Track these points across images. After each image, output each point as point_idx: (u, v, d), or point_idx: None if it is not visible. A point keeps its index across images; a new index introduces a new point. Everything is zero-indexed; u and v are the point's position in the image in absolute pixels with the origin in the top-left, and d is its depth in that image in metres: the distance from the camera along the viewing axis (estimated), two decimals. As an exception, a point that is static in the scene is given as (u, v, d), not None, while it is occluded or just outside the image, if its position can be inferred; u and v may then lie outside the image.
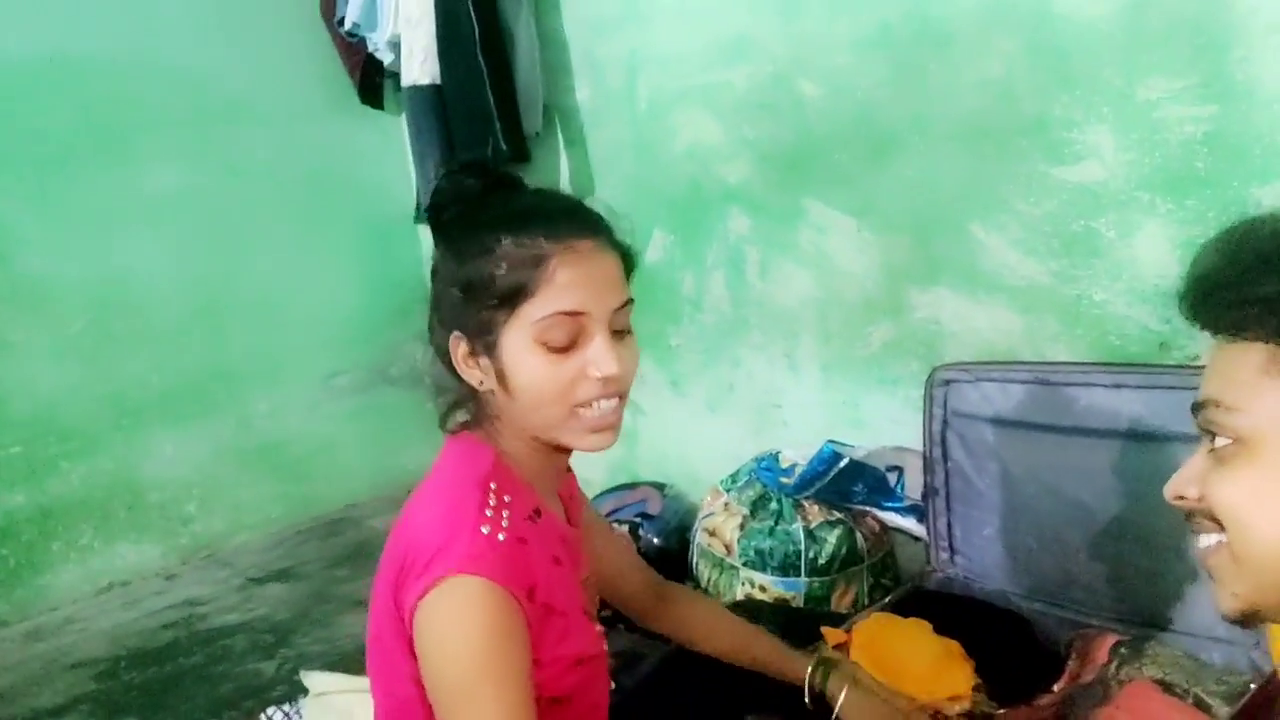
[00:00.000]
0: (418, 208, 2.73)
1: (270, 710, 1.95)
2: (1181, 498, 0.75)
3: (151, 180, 2.69)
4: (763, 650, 1.39)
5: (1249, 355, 0.69)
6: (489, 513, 0.98)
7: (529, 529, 1.02)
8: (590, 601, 1.18)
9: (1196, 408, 0.73)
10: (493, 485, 1.01)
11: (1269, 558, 0.68)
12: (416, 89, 2.59)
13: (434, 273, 1.08)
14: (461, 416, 1.11)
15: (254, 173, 2.88)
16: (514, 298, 0.99)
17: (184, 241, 2.77)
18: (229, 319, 2.88)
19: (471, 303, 1.01)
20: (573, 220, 1.03)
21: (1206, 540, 0.73)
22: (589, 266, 1.00)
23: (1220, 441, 0.71)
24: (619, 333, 1.03)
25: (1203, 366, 0.74)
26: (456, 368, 1.05)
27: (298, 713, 1.92)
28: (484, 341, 1.01)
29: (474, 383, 1.04)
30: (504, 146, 2.47)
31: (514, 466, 1.06)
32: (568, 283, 0.98)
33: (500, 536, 0.97)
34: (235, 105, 2.83)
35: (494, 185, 1.06)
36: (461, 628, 0.92)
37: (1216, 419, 0.71)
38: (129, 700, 2.14)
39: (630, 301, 1.04)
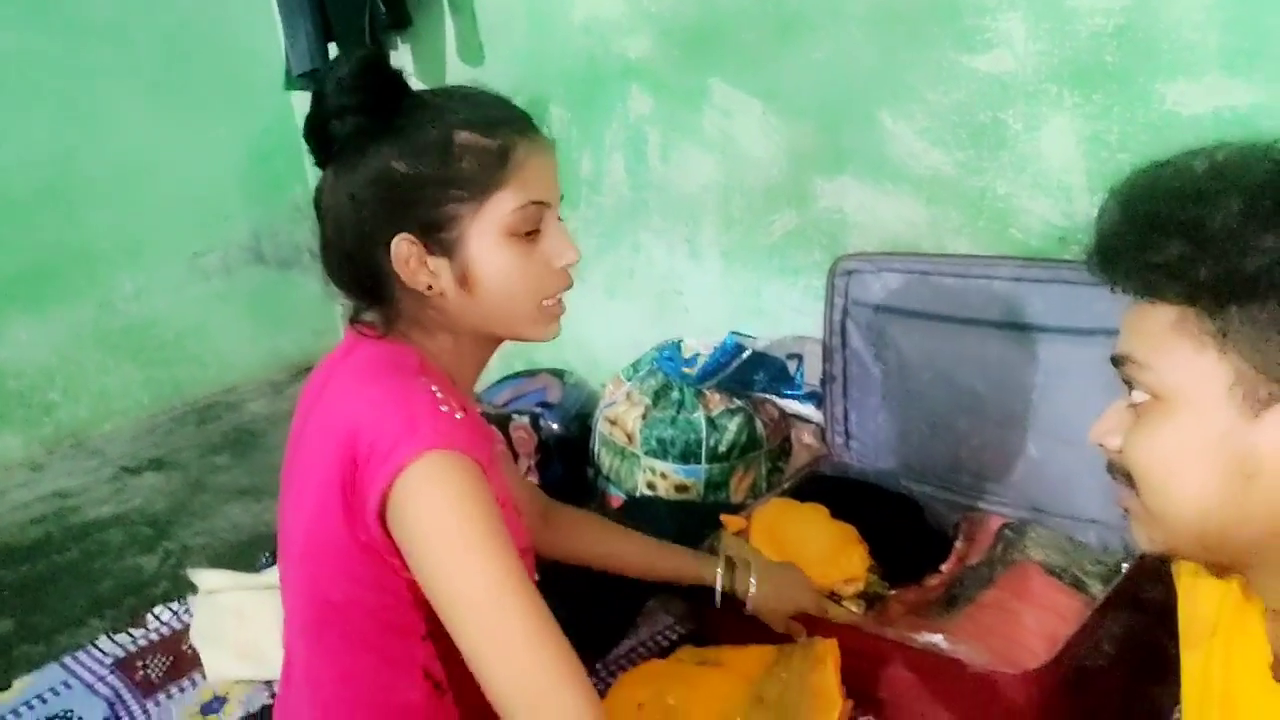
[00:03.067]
0: (287, 74, 2.51)
1: (158, 609, 1.88)
2: (1103, 445, 0.75)
3: (-17, 42, 2.41)
4: (666, 561, 1.42)
5: (1159, 313, 0.68)
6: (440, 395, 0.96)
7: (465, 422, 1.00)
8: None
9: (1115, 361, 0.72)
10: (423, 379, 0.98)
11: (1181, 516, 0.69)
12: (284, -58, 2.35)
13: (349, 175, 0.99)
14: (369, 318, 1.06)
15: (102, 34, 2.61)
16: (483, 191, 0.97)
17: (26, 111, 2.52)
18: (83, 195, 2.66)
19: (423, 199, 0.97)
20: (521, 112, 1.03)
21: (1123, 490, 0.74)
22: (546, 156, 1.02)
23: (1138, 396, 0.71)
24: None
25: None
26: (398, 270, 0.99)
27: (187, 611, 1.86)
28: (440, 240, 0.98)
29: (419, 286, 1.00)
30: (382, 10, 2.29)
31: (437, 366, 1.03)
32: (535, 172, 1.00)
33: (458, 415, 0.96)
34: (74, -44, 2.53)
35: (393, 83, 1.00)
36: (452, 498, 0.91)
37: (1133, 375, 0.71)
38: (1, 600, 2.04)
39: (563, 194, 1.06)
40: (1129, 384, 0.72)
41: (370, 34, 2.30)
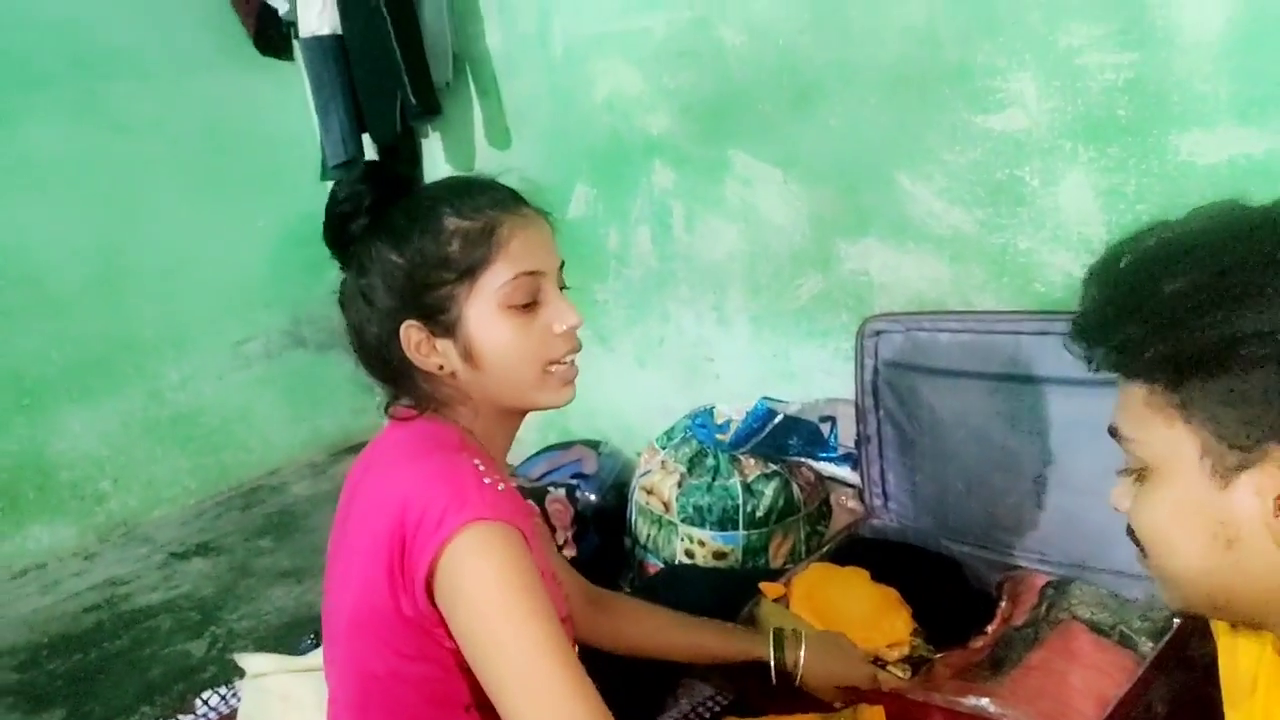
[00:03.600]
0: (323, 165, 2.61)
1: (206, 694, 1.91)
2: (1119, 509, 0.78)
3: (32, 141, 2.53)
4: (713, 641, 1.40)
5: (1133, 389, 0.71)
6: (483, 469, 0.99)
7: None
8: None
9: (1110, 432, 0.76)
10: (465, 455, 1.01)
11: (1182, 578, 0.72)
12: (316, 39, 2.45)
13: (360, 273, 1.06)
14: (405, 403, 1.10)
15: (144, 129, 2.72)
16: (472, 270, 1.01)
17: (74, 206, 2.61)
18: (129, 286, 2.74)
19: (422, 286, 1.02)
20: (507, 190, 1.08)
21: (1138, 552, 0.76)
22: (535, 228, 1.06)
23: (1135, 464, 0.74)
24: (562, 290, 1.09)
25: None
26: (410, 356, 1.04)
27: (234, 695, 1.88)
28: (441, 323, 1.03)
29: (432, 368, 1.05)
30: (413, 100, 2.36)
31: (474, 442, 1.07)
32: (522, 245, 1.03)
33: (501, 488, 0.99)
34: (117, 56, 2.66)
35: (394, 186, 1.07)
36: (497, 567, 0.93)
37: (1123, 447, 0.74)
38: (54, 690, 2.07)
39: (563, 262, 1.09)
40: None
41: (401, 123, 2.38)
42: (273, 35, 2.76)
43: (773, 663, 1.37)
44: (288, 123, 2.95)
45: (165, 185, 2.77)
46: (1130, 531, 0.76)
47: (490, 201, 1.04)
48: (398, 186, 1.07)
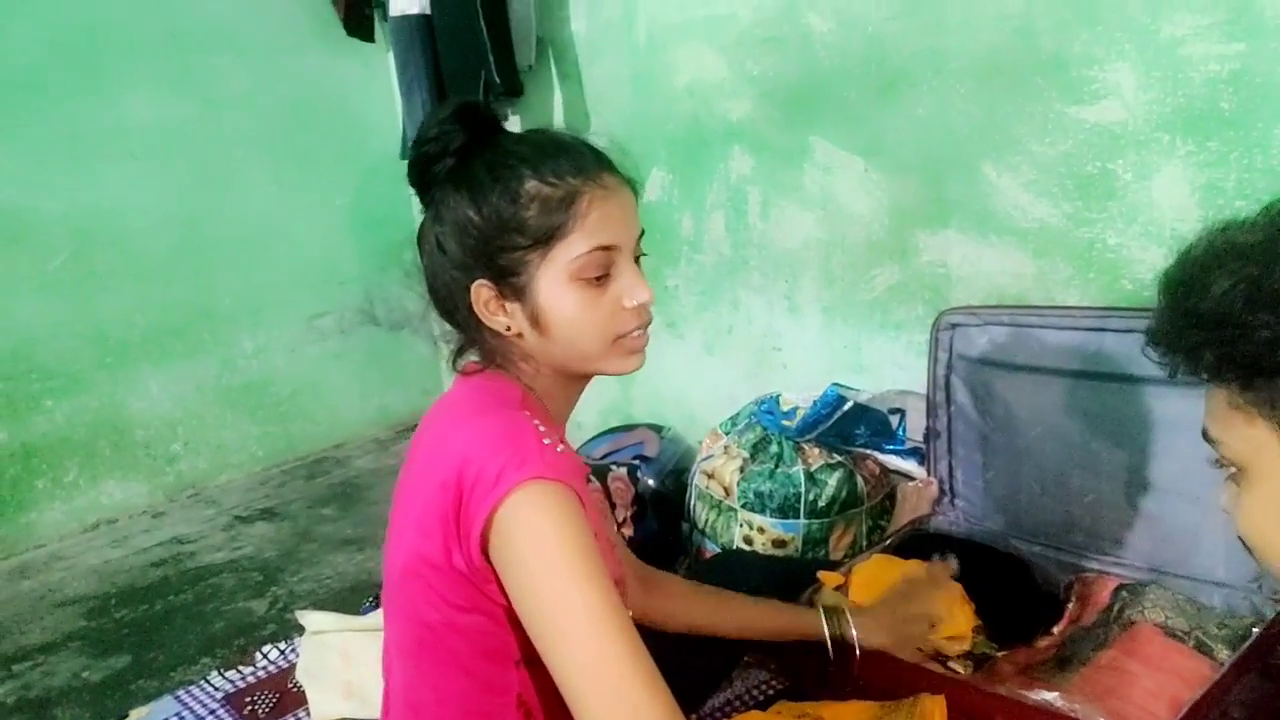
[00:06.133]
0: (404, 144, 2.66)
1: (266, 648, 1.95)
2: (1225, 512, 0.77)
3: (128, 111, 2.61)
4: (763, 617, 1.38)
5: (1215, 392, 0.72)
6: (543, 429, 0.98)
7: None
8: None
9: (1203, 435, 0.76)
10: (526, 413, 1.00)
11: None
12: (405, 19, 2.50)
13: (437, 219, 1.05)
14: (471, 356, 1.10)
15: (234, 104, 2.80)
16: (548, 239, 0.99)
17: (164, 175, 2.70)
18: (212, 256, 2.82)
19: (495, 247, 1.01)
20: (593, 156, 1.04)
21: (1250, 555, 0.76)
22: (616, 200, 1.02)
23: (1229, 466, 0.74)
24: (638, 260, 1.06)
25: None
26: (479, 314, 1.04)
27: (294, 650, 1.91)
28: (512, 285, 1.01)
29: (499, 328, 1.04)
30: (496, 80, 2.40)
31: (536, 400, 1.06)
32: (600, 218, 1.00)
33: (559, 448, 0.98)
34: (213, 32, 2.74)
35: (484, 130, 1.04)
36: (553, 525, 0.92)
37: (1215, 450, 0.74)
38: (120, 638, 2.12)
39: (643, 231, 1.06)
40: None
41: (485, 103, 2.40)
42: (362, 15, 2.82)
43: (827, 635, 1.35)
44: (371, 105, 3.02)
45: (251, 160, 2.85)
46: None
47: (574, 167, 1.01)
48: (489, 129, 1.04)
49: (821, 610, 1.38)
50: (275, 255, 2.94)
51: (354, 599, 2.17)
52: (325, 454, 3.09)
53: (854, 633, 1.35)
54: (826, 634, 1.35)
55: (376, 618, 1.77)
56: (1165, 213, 1.52)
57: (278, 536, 2.58)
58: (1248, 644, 1.34)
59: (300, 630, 1.89)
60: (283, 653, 1.91)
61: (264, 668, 1.88)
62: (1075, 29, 1.55)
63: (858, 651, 1.35)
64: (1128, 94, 1.51)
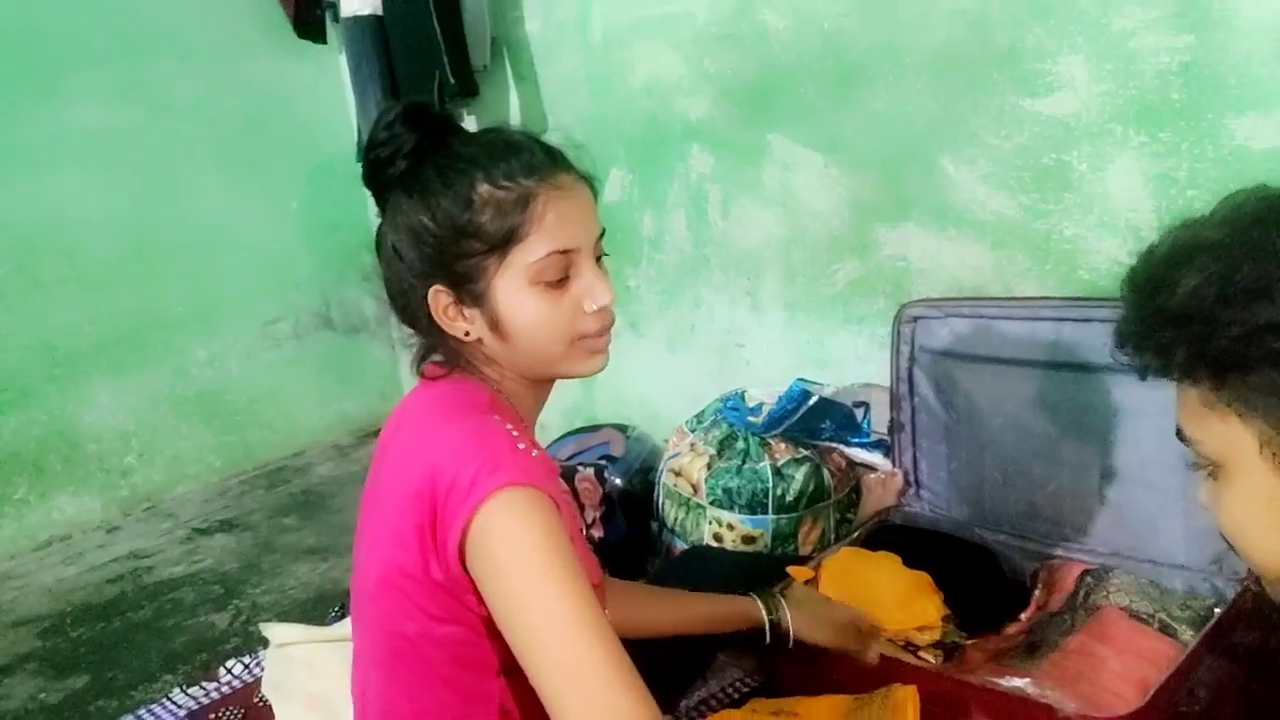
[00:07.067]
0: (359, 146, 2.62)
1: (230, 663, 1.91)
2: (1205, 508, 0.76)
3: (75, 117, 2.55)
4: (711, 612, 1.36)
5: (1187, 390, 0.70)
6: (515, 433, 0.96)
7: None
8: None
9: (1177, 435, 0.75)
10: (497, 417, 0.99)
11: (1270, 571, 0.72)
12: (356, 20, 2.47)
13: (392, 224, 1.03)
14: (436, 359, 1.08)
15: (184, 110, 2.74)
16: (504, 243, 0.97)
17: (112, 182, 2.64)
18: (163, 264, 2.76)
19: (451, 254, 0.99)
20: (546, 155, 1.02)
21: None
22: (573, 201, 1.01)
23: (1204, 464, 0.73)
24: (599, 260, 1.04)
25: None
26: (437, 320, 1.02)
27: (258, 665, 1.88)
28: (470, 291, 1.00)
29: (459, 334, 1.02)
30: (451, 81, 2.38)
31: (506, 403, 1.04)
32: (557, 219, 0.98)
33: (534, 453, 0.96)
34: (160, 37, 2.68)
35: (434, 131, 1.01)
36: (530, 533, 0.90)
37: (1190, 448, 0.73)
38: (78, 657, 2.07)
39: (604, 230, 1.04)
40: None
41: (439, 104, 2.38)
42: (312, 16, 2.77)
43: (765, 619, 1.34)
44: (325, 108, 2.98)
45: (202, 165, 2.79)
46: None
47: (526, 168, 0.98)
48: (439, 130, 1.02)
49: (758, 596, 1.37)
50: (228, 261, 2.87)
51: (319, 609, 2.13)
52: (285, 462, 3.04)
53: (787, 615, 1.34)
54: (765, 619, 1.34)
55: (343, 628, 1.74)
56: (1120, 203, 1.54)
57: (238, 548, 2.53)
58: (1210, 625, 1.37)
59: (265, 643, 1.86)
60: (247, 667, 1.88)
61: (228, 683, 1.84)
62: (1028, 22, 1.57)
63: (790, 635, 1.34)
64: (1081, 86, 1.53)
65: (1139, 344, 0.71)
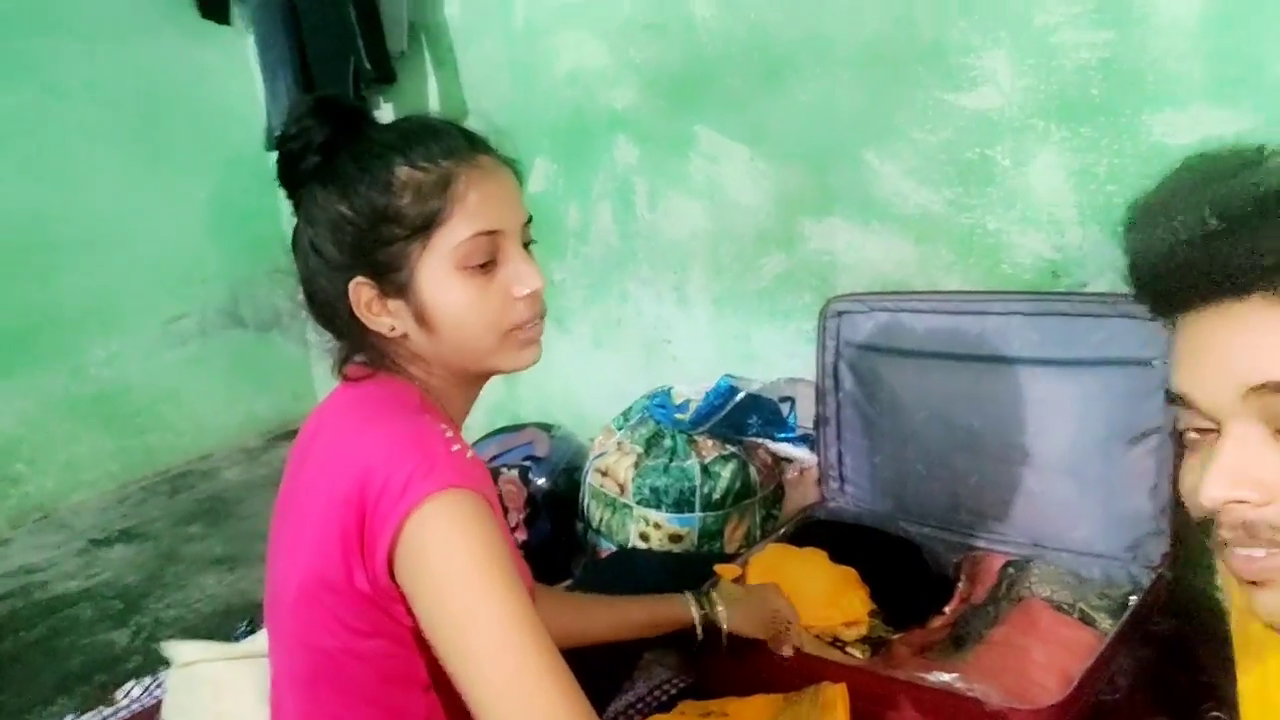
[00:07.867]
0: (268, 133, 2.52)
1: (128, 685, 1.80)
2: (1240, 501, 0.58)
3: (-48, 100, 2.38)
4: (647, 616, 1.34)
5: (1251, 305, 0.57)
6: (449, 434, 0.92)
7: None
8: None
9: (1172, 398, 0.62)
10: (428, 418, 0.94)
11: None
12: (265, 1, 2.36)
13: (308, 219, 0.99)
14: (359, 360, 1.03)
15: (75, 92, 2.59)
16: (425, 227, 0.94)
17: None
18: (56, 256, 2.60)
19: (372, 241, 0.94)
20: (466, 139, 0.99)
21: (1260, 552, 0.59)
22: (495, 181, 0.98)
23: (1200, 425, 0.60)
24: (526, 246, 1.01)
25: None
26: (360, 316, 0.97)
27: (159, 685, 1.78)
28: (393, 281, 0.95)
29: (383, 330, 0.97)
30: (367, 66, 2.30)
31: (434, 403, 1.00)
32: (480, 200, 0.95)
33: (469, 454, 0.92)
34: (48, 13, 2.52)
35: (347, 122, 0.98)
36: (468, 539, 0.86)
37: (1183, 412, 0.60)
38: (-36, 680, 1.94)
39: (531, 217, 1.01)
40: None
41: (354, 90, 2.30)
42: (217, -1, 2.66)
43: (696, 618, 1.33)
44: (233, 93, 2.85)
45: (97, 152, 2.64)
46: (1249, 529, 0.60)
47: (446, 149, 0.95)
48: (352, 121, 0.98)
49: (691, 595, 1.36)
50: (127, 254, 2.73)
51: (226, 624, 2.03)
52: (189, 467, 2.90)
53: (721, 612, 1.33)
54: (696, 617, 1.33)
55: (253, 643, 1.65)
56: (1042, 197, 1.56)
57: (139, 559, 2.40)
58: (1127, 615, 1.39)
59: (167, 663, 1.75)
60: (147, 689, 1.78)
61: (127, 707, 1.74)
62: (953, 16, 1.57)
63: (725, 631, 1.33)
64: (1004, 81, 1.54)
65: (1205, 262, 0.58)
